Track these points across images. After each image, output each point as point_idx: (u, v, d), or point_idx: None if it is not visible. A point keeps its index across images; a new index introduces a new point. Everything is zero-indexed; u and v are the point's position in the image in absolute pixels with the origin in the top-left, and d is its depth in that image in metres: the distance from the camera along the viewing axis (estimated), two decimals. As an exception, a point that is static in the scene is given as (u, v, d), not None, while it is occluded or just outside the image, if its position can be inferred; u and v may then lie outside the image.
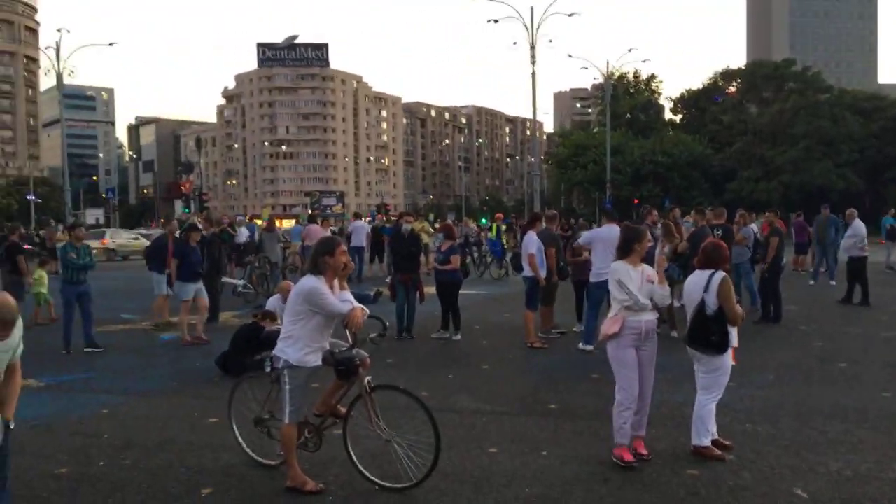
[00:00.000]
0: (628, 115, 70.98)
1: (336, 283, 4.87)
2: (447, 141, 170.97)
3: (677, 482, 4.79)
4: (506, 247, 21.61)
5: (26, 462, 5.24)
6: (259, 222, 29.62)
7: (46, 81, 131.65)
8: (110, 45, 40.55)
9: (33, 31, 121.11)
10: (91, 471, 5.20)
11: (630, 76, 74.89)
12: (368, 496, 4.65)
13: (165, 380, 8.32)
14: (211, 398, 7.26)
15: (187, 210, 41.28)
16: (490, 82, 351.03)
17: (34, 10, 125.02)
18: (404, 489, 4.65)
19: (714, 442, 5.31)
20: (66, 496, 4.72)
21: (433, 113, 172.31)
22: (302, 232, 20.21)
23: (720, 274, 5.32)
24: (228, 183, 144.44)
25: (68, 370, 8.77)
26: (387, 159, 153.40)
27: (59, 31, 46.18)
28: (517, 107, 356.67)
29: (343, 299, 4.84)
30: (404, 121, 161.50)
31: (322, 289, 4.71)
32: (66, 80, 39.19)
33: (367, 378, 4.81)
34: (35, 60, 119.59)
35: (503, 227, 22.79)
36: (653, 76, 78.03)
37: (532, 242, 9.63)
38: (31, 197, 78.13)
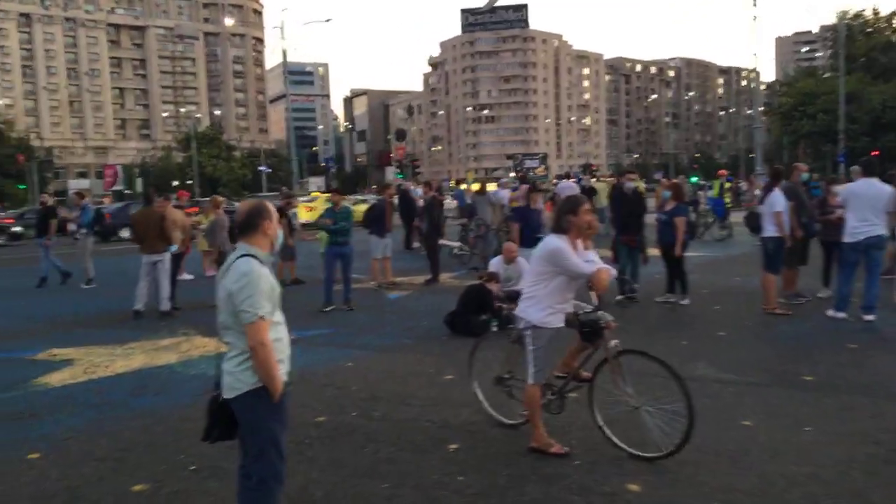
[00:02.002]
0: (864, 58, 63.27)
1: (580, 242, 4.71)
2: (654, 96, 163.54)
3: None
4: (729, 205, 20.21)
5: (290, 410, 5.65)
6: (464, 186, 30.17)
7: (270, 59, 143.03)
8: (327, 21, 43.40)
9: (258, 13, 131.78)
10: (345, 420, 5.52)
11: (868, 13, 66.59)
12: (616, 462, 4.48)
13: (398, 336, 8.69)
14: (443, 355, 7.46)
15: (401, 175, 43.14)
16: (700, 32, 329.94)
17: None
18: (654, 459, 4.43)
19: None
20: (325, 443, 5.03)
21: (638, 68, 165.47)
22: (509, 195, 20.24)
23: None
24: (433, 149, 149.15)
25: (314, 325, 9.45)
26: (589, 118, 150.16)
27: (283, 10, 49.61)
28: (730, 56, 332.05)
29: (588, 259, 4.66)
30: (607, 78, 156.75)
31: (566, 249, 4.57)
32: (290, 58, 42.28)
33: (614, 341, 4.62)
34: (261, 41, 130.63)
35: (726, 185, 21.27)
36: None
37: (778, 200, 8.81)
38: (262, 168, 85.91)
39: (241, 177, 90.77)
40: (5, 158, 74.52)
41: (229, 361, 3.22)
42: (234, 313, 3.15)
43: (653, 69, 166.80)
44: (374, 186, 77.05)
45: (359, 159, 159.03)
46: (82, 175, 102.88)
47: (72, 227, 14.65)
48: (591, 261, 4.68)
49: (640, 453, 4.49)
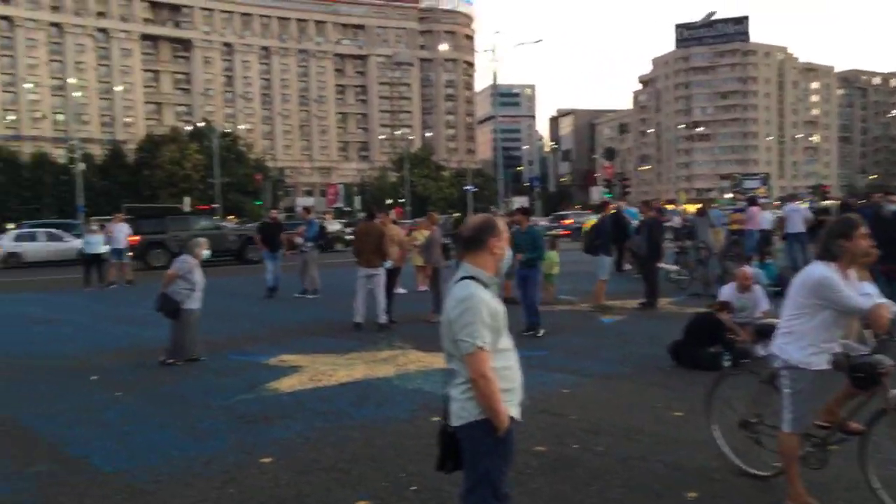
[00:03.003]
0: None
1: (852, 271, 4.04)
2: (895, 112, 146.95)
3: None
4: None
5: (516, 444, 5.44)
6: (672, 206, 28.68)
7: (479, 83, 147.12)
8: (537, 42, 43.73)
9: (470, 38, 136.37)
10: (566, 452, 5.18)
11: None
12: (898, 536, 3.75)
13: (615, 363, 8.21)
14: (668, 388, 6.90)
15: (609, 195, 42.19)
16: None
17: (471, 19, 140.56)
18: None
19: None
20: (547, 476, 4.74)
21: (876, 80, 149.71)
22: (736, 216, 18.86)
23: None
24: (640, 169, 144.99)
25: (526, 346, 9.22)
26: (817, 136, 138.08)
27: (496, 33, 50.69)
28: None
29: (863, 292, 3.98)
30: (839, 92, 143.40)
31: (835, 278, 3.92)
32: (498, 80, 43.03)
33: (895, 391, 3.89)
34: (471, 64, 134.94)
35: None
36: None
37: None
38: (468, 187, 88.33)
39: (449, 195, 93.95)
40: (245, 178, 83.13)
41: (455, 388, 3.01)
42: (454, 341, 2.94)
43: (893, 82, 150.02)
44: (578, 206, 76.38)
45: (562, 179, 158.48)
46: (308, 193, 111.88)
47: (299, 240, 15.69)
48: (868, 293, 4.00)
49: (929, 528, 3.73)
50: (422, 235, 15.61)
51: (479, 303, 2.91)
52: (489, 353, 2.90)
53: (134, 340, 10.54)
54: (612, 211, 12.80)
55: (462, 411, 2.97)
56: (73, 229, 31.03)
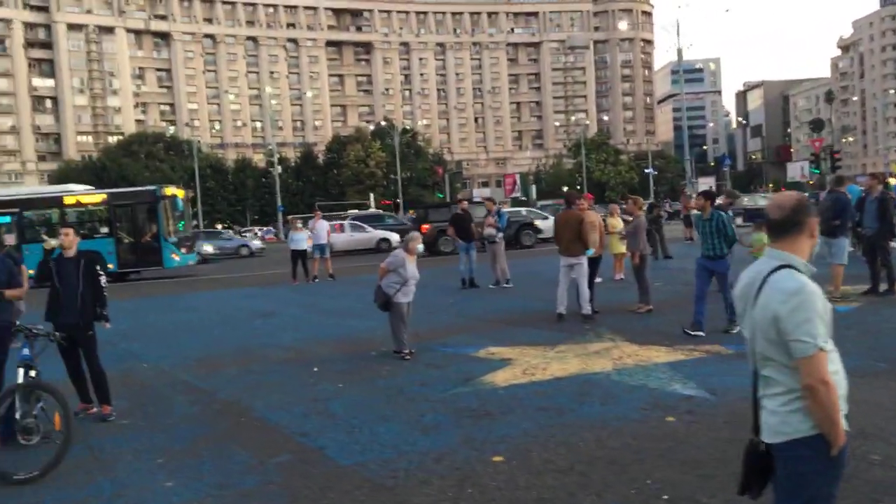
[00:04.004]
0: None
1: None
2: None
3: None
4: None
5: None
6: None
7: (658, 60, 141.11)
8: (726, 11, 40.67)
9: (648, 15, 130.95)
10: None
11: None
12: None
13: (864, 358, 7.26)
14: (942, 388, 5.96)
15: (816, 171, 38.68)
16: None
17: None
18: None
19: None
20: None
21: None
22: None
23: None
24: (844, 140, 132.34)
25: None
26: None
27: (678, 7, 48.25)
28: None
29: None
30: None
31: None
32: (685, 56, 40.76)
33: None
34: (650, 42, 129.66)
35: None
36: None
37: None
38: (649, 170, 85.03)
39: (629, 180, 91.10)
40: (424, 172, 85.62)
41: (772, 399, 2.56)
42: (779, 342, 2.48)
43: None
44: (769, 186, 70.78)
45: (752, 156, 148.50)
46: (484, 184, 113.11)
47: (489, 231, 15.59)
48: None
49: None
50: (616, 223, 15.00)
51: (813, 296, 2.46)
52: (827, 355, 2.45)
53: (344, 331, 10.91)
54: (840, 189, 11.46)
55: (783, 426, 2.52)
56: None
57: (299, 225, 20.78)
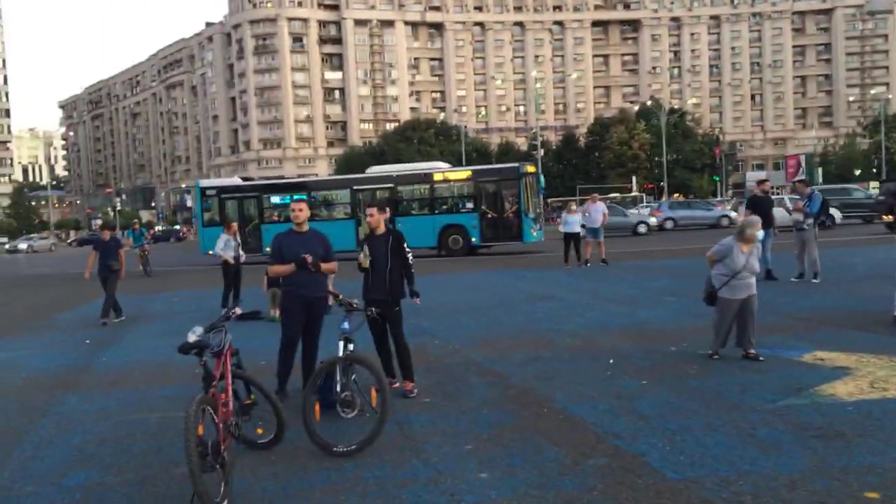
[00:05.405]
0: None
1: None
2: None
3: None
4: None
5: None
6: None
7: None
8: None
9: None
10: None
11: None
12: None
13: None
14: None
15: None
16: None
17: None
18: None
19: None
20: None
21: None
22: None
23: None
24: None
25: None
26: None
27: None
28: None
29: None
30: None
31: None
32: None
33: None
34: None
35: None
36: None
37: None
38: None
39: None
40: (692, 154, 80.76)
41: None
42: None
43: None
44: None
45: None
46: (759, 167, 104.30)
47: (797, 216, 13.81)
48: None
49: None
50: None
51: None
52: None
53: (631, 322, 10.21)
54: None
55: None
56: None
57: (573, 208, 20.36)
